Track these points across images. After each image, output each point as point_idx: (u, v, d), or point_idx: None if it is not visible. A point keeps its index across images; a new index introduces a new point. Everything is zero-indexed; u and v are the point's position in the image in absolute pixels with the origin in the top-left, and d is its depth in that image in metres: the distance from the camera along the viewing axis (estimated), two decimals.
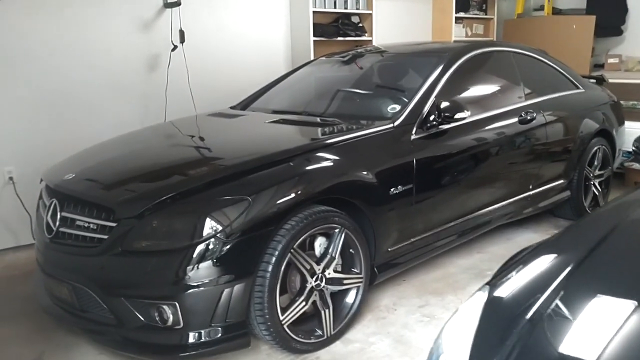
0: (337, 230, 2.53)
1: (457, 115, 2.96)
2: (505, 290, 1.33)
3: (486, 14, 6.75)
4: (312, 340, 2.51)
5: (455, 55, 3.37)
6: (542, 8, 6.64)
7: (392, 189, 2.75)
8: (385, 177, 2.72)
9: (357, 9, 5.45)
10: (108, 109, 4.21)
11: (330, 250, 2.53)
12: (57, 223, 2.44)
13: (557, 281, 1.27)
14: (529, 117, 3.52)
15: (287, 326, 2.40)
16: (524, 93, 3.66)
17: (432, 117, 2.96)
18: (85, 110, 4.11)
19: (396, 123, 2.90)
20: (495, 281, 1.38)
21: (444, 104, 2.97)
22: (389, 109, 3.08)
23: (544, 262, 1.41)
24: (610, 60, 5.95)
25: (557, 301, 1.22)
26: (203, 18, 4.65)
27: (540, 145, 3.62)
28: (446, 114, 2.95)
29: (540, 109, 3.65)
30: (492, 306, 1.28)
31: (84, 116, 4.11)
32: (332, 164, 2.61)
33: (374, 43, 5.51)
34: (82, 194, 2.45)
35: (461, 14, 6.39)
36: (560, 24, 6.13)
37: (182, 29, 4.40)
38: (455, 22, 6.26)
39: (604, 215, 1.80)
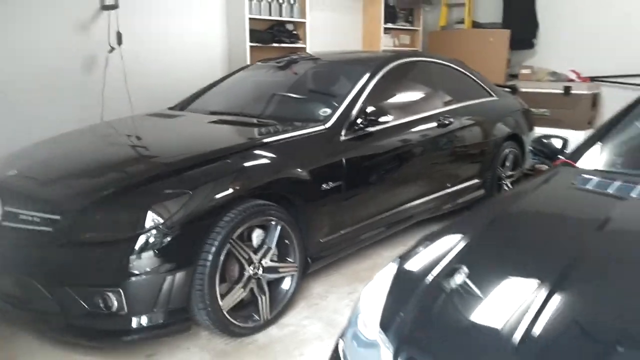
0: (273, 223, 2.74)
1: (382, 119, 3.26)
2: (413, 261, 1.59)
3: (412, 26, 7.19)
4: (250, 325, 2.71)
5: (381, 64, 3.67)
6: (463, 21, 7.14)
7: (323, 185, 2.99)
8: (317, 175, 2.96)
9: (292, 17, 5.69)
10: (42, 109, 4.21)
11: (267, 241, 2.74)
12: (0, 218, 2.51)
13: (452, 254, 1.55)
14: (446, 122, 3.87)
15: (227, 312, 2.58)
16: (443, 100, 4.02)
17: (359, 120, 3.23)
18: (18, 110, 4.10)
19: (327, 125, 3.15)
20: (405, 255, 1.64)
21: (370, 109, 3.25)
22: (321, 112, 3.32)
23: (445, 240, 1.68)
24: (523, 71, 6.50)
25: (455, 270, 1.48)
26: (141, 21, 4.73)
27: (457, 148, 3.98)
28: (371, 118, 3.24)
29: (457, 115, 4.01)
30: (401, 274, 1.54)
31: (17, 116, 4.09)
32: (268, 161, 2.82)
33: (308, 50, 5.77)
34: (25, 189, 2.54)
35: (389, 25, 6.78)
36: (479, 36, 6.63)
37: (120, 31, 4.47)
38: (384, 33, 6.64)
39: (498, 201, 2.12)
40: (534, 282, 1.38)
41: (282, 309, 2.85)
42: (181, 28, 5.06)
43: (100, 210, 2.37)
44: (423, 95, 3.99)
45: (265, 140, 2.94)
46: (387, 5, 6.74)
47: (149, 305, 2.36)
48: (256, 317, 2.73)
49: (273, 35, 5.55)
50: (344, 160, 3.10)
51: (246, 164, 2.74)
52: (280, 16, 5.60)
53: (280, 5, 5.59)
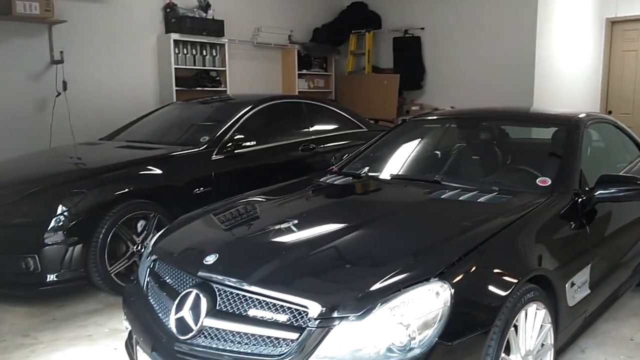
0: (151, 215, 3.92)
1: (246, 144, 4.50)
2: (189, 215, 2.78)
3: (326, 71, 8.56)
4: None
5: (256, 103, 4.91)
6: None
7: (195, 190, 4.19)
8: (190, 183, 4.17)
9: (214, 66, 7.01)
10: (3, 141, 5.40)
11: (147, 228, 3.92)
12: None
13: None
14: (310, 147, 5.10)
15: (115, 275, 3.73)
16: (310, 130, 5.26)
17: (228, 145, 4.46)
18: None
19: (202, 148, 4.37)
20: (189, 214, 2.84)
21: (238, 136, 4.49)
22: (201, 138, 4.54)
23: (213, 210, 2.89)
24: (413, 108, 7.84)
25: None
26: (85, 70, 5.99)
27: (319, 167, 5.17)
28: (239, 143, 4.47)
29: (321, 142, 5.24)
30: (177, 222, 2.73)
31: None
32: (155, 172, 4.03)
33: (228, 92, 7.05)
34: None
35: (304, 71, 8.13)
36: (375, 79, 8.00)
37: (65, 79, 5.71)
38: (299, 77, 7.98)
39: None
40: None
41: None
42: (119, 76, 6.32)
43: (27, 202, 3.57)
44: (291, 126, 5.22)
45: (154, 157, 4.16)
46: (304, 54, 8.11)
47: (57, 267, 3.52)
48: None
49: (197, 81, 6.85)
50: (213, 174, 4.31)
51: (139, 173, 3.97)
52: (204, 66, 6.92)
53: (204, 57, 6.92)
